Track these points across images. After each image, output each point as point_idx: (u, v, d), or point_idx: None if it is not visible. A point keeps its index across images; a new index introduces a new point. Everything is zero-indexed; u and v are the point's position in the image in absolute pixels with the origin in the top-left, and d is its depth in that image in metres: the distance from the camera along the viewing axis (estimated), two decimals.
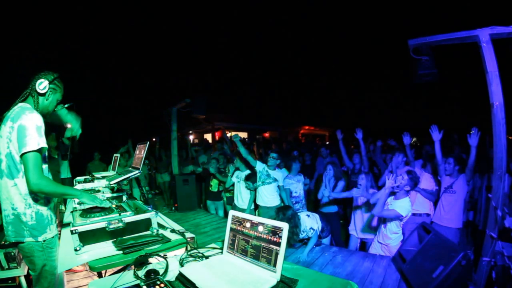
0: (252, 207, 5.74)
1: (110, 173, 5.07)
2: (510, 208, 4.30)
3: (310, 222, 4.08)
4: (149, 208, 2.49)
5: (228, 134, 22.40)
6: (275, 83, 25.57)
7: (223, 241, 2.03)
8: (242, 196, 5.70)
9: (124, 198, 3.24)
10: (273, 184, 5.38)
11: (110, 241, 2.17)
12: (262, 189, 5.43)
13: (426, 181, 4.84)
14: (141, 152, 3.55)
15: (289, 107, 25.95)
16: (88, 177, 4.49)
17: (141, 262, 1.86)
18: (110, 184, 3.32)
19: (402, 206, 3.68)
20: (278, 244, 1.70)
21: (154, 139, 11.19)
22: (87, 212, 2.39)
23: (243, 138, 18.83)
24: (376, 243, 4.06)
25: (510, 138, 3.34)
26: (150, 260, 1.94)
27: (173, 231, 2.49)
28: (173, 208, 6.98)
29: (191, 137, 22.35)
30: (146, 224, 2.33)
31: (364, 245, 4.62)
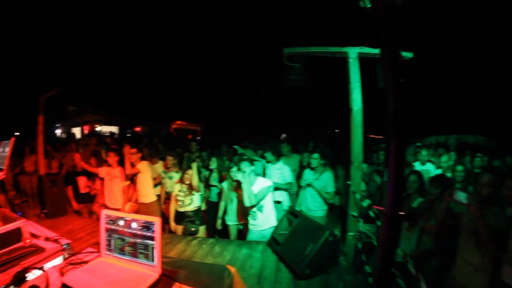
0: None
1: None
2: (368, 192, 5.30)
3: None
4: (18, 216, 2.39)
5: (98, 128, 21.18)
6: (148, 76, 24.88)
7: (100, 244, 2.08)
8: (116, 195, 5.62)
9: None
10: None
11: None
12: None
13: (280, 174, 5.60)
14: (4, 149, 3.21)
15: (161, 101, 25.59)
16: None
17: (20, 279, 1.78)
18: None
19: (262, 184, 4.41)
20: (153, 239, 1.86)
21: (17, 134, 9.89)
22: None
23: (113, 133, 18.15)
24: (253, 229, 4.60)
25: (368, 136, 4.19)
26: (29, 275, 1.86)
27: (47, 239, 2.43)
28: (42, 215, 6.38)
29: (59, 131, 20.49)
30: (17, 234, 2.24)
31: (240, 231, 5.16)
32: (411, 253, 3.71)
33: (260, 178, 4.58)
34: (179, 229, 4.99)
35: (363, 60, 4.17)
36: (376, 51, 4.10)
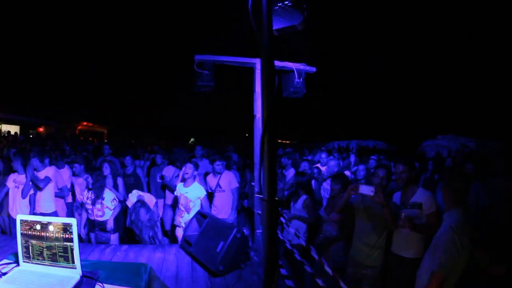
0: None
1: None
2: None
3: None
4: None
5: None
6: (54, 72, 23.22)
7: (16, 254, 2.11)
8: (20, 203, 5.21)
9: None
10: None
11: None
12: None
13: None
14: None
15: (66, 100, 24.07)
16: None
17: None
18: None
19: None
20: (71, 240, 1.95)
21: None
22: None
23: (15, 133, 16.70)
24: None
25: None
26: None
27: None
28: None
29: None
30: None
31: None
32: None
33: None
34: (92, 237, 4.93)
35: None
36: (282, 64, 4.59)
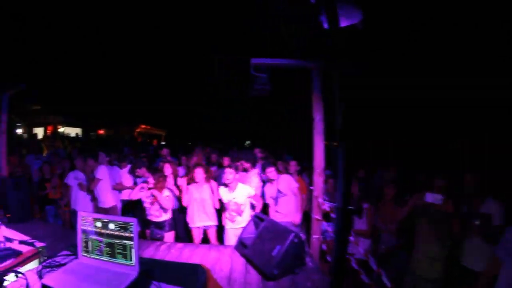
0: None
1: None
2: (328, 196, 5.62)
3: None
4: None
5: (61, 129, 20.46)
6: (112, 78, 24.49)
7: (75, 246, 2.15)
8: (83, 199, 5.62)
9: None
10: None
11: None
12: None
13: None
14: None
15: (125, 104, 25.24)
16: None
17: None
18: None
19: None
20: (131, 239, 1.95)
21: None
22: None
23: (76, 134, 17.85)
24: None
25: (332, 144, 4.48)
26: (6, 279, 1.89)
27: (22, 242, 2.45)
28: (5, 219, 6.18)
29: (20, 131, 19.67)
30: None
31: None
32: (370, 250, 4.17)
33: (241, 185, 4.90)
34: (147, 233, 5.02)
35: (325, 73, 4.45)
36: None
